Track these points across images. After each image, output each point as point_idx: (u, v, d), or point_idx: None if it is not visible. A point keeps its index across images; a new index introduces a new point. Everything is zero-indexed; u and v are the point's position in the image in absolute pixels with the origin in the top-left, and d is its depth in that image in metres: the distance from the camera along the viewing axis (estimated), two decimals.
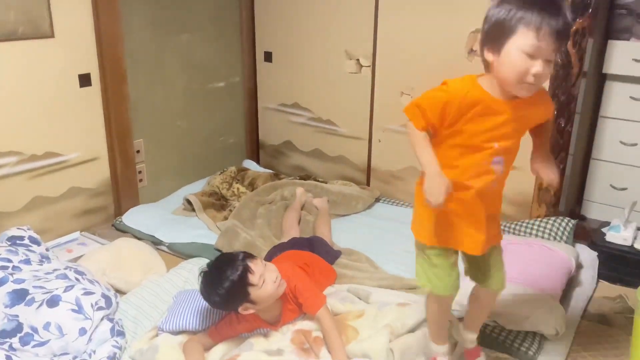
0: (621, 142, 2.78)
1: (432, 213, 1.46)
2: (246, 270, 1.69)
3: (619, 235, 2.34)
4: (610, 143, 2.81)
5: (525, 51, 1.27)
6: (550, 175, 1.50)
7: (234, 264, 1.70)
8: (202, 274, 1.74)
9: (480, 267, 1.58)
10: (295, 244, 2.33)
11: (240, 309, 1.72)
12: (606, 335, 1.98)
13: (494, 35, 1.31)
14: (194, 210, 2.86)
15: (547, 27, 1.24)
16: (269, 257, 2.13)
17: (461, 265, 1.59)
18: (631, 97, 2.70)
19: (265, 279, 1.71)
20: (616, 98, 2.74)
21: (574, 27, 2.30)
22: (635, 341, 1.77)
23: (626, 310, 2.11)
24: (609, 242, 2.36)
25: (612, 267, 2.32)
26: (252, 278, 1.68)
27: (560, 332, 1.90)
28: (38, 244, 2.14)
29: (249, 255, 1.75)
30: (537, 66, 1.27)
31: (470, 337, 1.73)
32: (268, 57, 3.36)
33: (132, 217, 2.77)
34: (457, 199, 1.42)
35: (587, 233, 2.55)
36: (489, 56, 1.34)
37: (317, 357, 1.74)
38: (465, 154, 1.40)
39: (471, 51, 2.64)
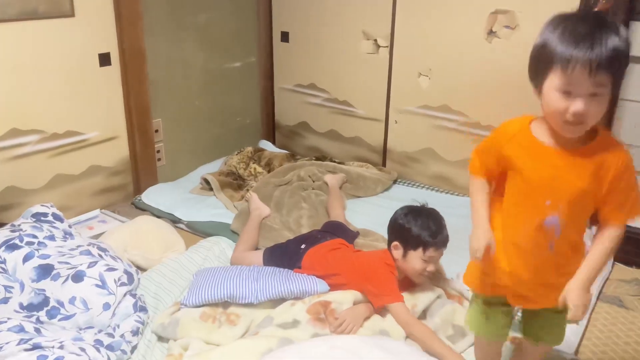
0: None
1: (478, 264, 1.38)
2: (427, 244, 1.83)
3: (637, 219, 2.33)
4: (630, 126, 2.79)
5: (559, 90, 1.15)
6: (574, 305, 1.22)
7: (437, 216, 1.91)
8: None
9: (530, 319, 1.47)
10: (328, 232, 2.29)
11: (393, 244, 1.89)
12: (621, 317, 2.00)
13: (534, 71, 1.22)
14: (211, 189, 2.89)
15: (578, 59, 1.11)
16: (311, 244, 2.12)
17: None
18: None
19: (430, 263, 1.84)
20: (638, 81, 2.71)
21: (597, 7, 2.28)
22: None
23: None
24: (627, 226, 2.36)
25: (628, 250, 2.32)
26: (429, 250, 1.82)
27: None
28: (61, 220, 2.19)
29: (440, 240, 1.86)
30: (576, 104, 1.14)
31: None
32: (285, 37, 3.36)
33: (151, 196, 2.81)
34: (507, 257, 1.32)
35: None
36: (536, 93, 1.23)
37: (329, 323, 1.78)
38: (517, 208, 1.29)
39: (490, 32, 2.62)
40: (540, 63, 1.19)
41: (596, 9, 2.28)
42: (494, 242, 1.28)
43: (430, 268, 1.85)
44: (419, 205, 1.96)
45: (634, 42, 2.65)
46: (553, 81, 1.16)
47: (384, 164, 3.19)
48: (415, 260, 1.84)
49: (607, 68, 1.11)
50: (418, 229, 1.84)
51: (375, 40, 3.01)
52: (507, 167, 1.29)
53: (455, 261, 2.23)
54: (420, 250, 1.83)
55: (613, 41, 1.10)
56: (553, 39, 1.15)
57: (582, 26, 1.12)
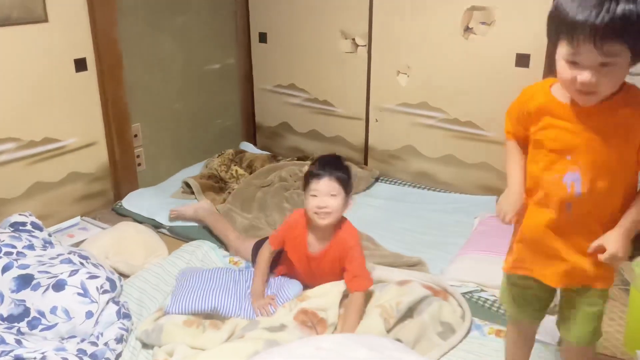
0: None
1: (515, 240, 1.37)
2: (308, 177, 1.87)
3: None
4: None
5: (565, 60, 1.12)
6: (610, 247, 1.19)
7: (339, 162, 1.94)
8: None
9: (562, 308, 1.42)
10: None
11: (305, 194, 1.90)
12: None
13: (548, 36, 1.18)
14: (192, 193, 2.87)
15: (582, 29, 1.05)
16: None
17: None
18: None
19: (317, 197, 1.83)
20: None
21: None
22: (631, 312, 1.82)
23: (622, 282, 2.15)
24: None
25: None
26: (312, 183, 1.85)
27: (557, 303, 1.93)
28: (40, 229, 2.15)
29: (343, 178, 1.89)
30: (583, 75, 1.09)
31: None
32: (263, 38, 3.35)
33: (132, 201, 2.78)
34: (532, 224, 1.30)
35: None
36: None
37: (319, 333, 1.78)
38: (542, 167, 1.26)
39: (467, 29, 2.64)
40: (552, 29, 1.15)
41: None
42: (523, 207, 1.29)
43: (316, 202, 1.83)
44: None
45: None
46: (561, 50, 1.12)
47: (365, 163, 3.20)
48: (307, 200, 1.87)
49: (616, 36, 1.03)
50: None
51: (354, 39, 3.01)
52: (530, 126, 1.28)
53: (440, 257, 2.26)
54: (308, 187, 1.87)
55: (623, 6, 1.02)
56: (563, 4, 1.09)
57: None
